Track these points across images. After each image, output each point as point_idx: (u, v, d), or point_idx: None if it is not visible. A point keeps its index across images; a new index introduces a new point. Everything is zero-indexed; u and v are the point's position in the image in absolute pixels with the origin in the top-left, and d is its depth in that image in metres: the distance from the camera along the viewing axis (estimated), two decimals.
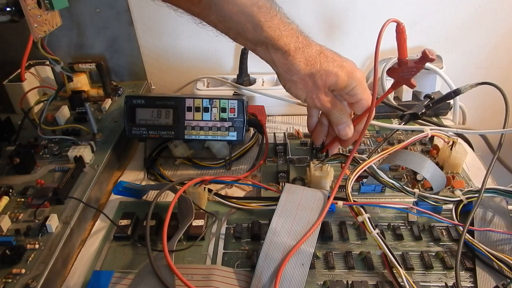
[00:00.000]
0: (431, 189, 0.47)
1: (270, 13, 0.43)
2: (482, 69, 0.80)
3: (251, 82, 0.73)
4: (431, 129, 0.53)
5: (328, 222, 0.46)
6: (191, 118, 0.56)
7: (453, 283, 0.39)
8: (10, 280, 0.38)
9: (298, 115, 0.71)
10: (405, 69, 0.44)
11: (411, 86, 0.46)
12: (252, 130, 0.63)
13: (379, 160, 0.47)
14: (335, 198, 0.45)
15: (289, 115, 0.71)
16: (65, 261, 0.43)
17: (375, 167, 0.45)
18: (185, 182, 0.48)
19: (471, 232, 0.43)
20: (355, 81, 0.46)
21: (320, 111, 0.53)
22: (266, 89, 0.69)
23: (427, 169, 0.46)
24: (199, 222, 0.46)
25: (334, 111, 0.48)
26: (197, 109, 0.56)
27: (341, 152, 0.55)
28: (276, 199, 0.45)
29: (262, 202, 0.49)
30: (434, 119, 0.69)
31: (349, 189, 0.44)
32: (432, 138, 0.59)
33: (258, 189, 0.53)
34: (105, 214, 0.48)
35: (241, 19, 0.42)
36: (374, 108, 0.48)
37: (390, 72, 0.46)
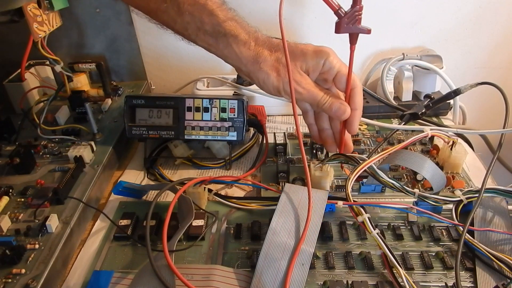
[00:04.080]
0: (431, 189, 0.47)
1: (222, 5, 0.44)
2: (482, 69, 0.80)
3: (251, 82, 0.72)
4: (431, 129, 0.53)
5: (328, 222, 0.46)
6: (191, 118, 0.56)
7: (453, 283, 0.39)
8: (10, 280, 0.38)
9: (298, 115, 0.71)
10: (346, 18, 0.43)
11: (365, 31, 0.44)
12: (252, 130, 0.63)
13: (379, 160, 0.47)
14: (336, 198, 0.45)
15: (289, 115, 0.71)
16: (65, 261, 0.43)
17: (375, 167, 0.45)
18: (185, 182, 0.48)
19: (471, 232, 0.43)
20: (324, 54, 0.45)
21: (314, 117, 0.52)
22: None
23: (427, 169, 0.46)
24: (199, 222, 0.46)
25: (320, 96, 0.46)
26: (197, 109, 0.56)
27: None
28: (276, 199, 0.45)
29: (262, 202, 0.49)
30: (434, 119, 0.69)
31: (349, 189, 0.44)
32: (432, 138, 0.59)
33: (258, 189, 0.53)
34: (105, 214, 0.48)
35: (195, 10, 0.44)
36: (356, 76, 0.47)
37: (337, 29, 0.44)
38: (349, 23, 0.43)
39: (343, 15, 0.43)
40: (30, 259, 0.41)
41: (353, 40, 0.45)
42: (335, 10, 0.43)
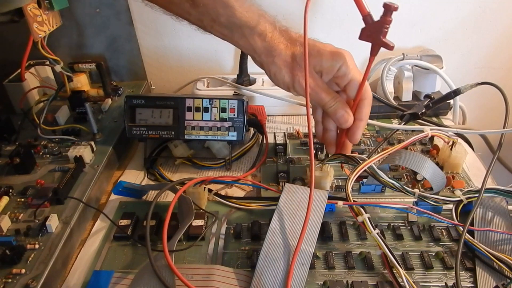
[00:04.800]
0: (431, 189, 0.47)
1: None
2: (482, 69, 0.80)
3: (251, 82, 0.72)
4: (431, 129, 0.53)
5: (328, 222, 0.46)
6: (191, 118, 0.56)
7: (453, 283, 0.39)
8: (10, 280, 0.38)
9: (298, 115, 0.71)
10: (373, 27, 0.42)
11: (388, 46, 0.43)
12: (252, 130, 0.63)
13: (379, 160, 0.47)
14: (336, 198, 0.45)
15: (289, 115, 0.71)
16: (65, 261, 0.43)
17: (375, 167, 0.45)
18: (185, 182, 0.48)
19: (471, 232, 0.43)
20: (341, 58, 0.44)
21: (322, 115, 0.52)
22: (266, 89, 0.69)
23: (427, 169, 0.46)
24: (199, 222, 0.46)
25: (327, 100, 0.46)
26: (197, 109, 0.56)
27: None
28: (276, 199, 0.45)
29: (262, 202, 0.49)
30: (434, 119, 0.69)
31: (349, 189, 0.44)
32: (432, 138, 0.59)
33: (258, 189, 0.53)
34: (105, 214, 0.48)
35: (210, 1, 0.43)
36: (369, 88, 0.47)
37: (362, 35, 0.43)
38: (374, 33, 0.42)
39: (370, 23, 0.42)
40: (30, 259, 0.41)
41: (373, 51, 0.44)
42: (364, 14, 0.42)
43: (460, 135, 0.61)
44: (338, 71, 0.45)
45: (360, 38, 0.43)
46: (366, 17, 0.42)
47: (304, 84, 0.45)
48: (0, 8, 0.40)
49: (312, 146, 0.44)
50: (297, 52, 0.45)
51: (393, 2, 0.41)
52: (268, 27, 0.45)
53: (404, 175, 0.54)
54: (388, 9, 0.41)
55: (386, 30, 0.42)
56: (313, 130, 0.53)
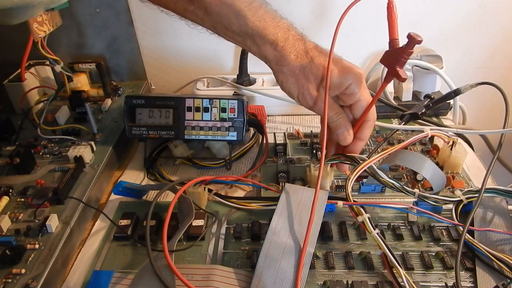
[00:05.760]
0: (431, 189, 0.47)
1: (252, 4, 0.43)
2: (482, 69, 0.80)
3: (251, 82, 0.73)
4: (431, 129, 0.53)
5: (328, 222, 0.46)
6: (191, 118, 0.56)
7: (453, 283, 0.39)
8: (10, 280, 0.38)
9: (298, 115, 0.71)
10: (393, 53, 0.41)
11: (400, 78, 0.42)
12: (252, 130, 0.63)
13: (379, 160, 0.47)
14: (336, 198, 0.45)
15: (289, 115, 0.71)
16: (65, 261, 0.43)
17: (375, 167, 0.45)
18: (185, 182, 0.48)
19: (471, 232, 0.43)
20: (351, 77, 0.44)
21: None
22: (266, 89, 0.69)
23: (427, 169, 0.46)
24: (199, 222, 0.46)
25: (331, 114, 0.46)
26: (197, 109, 0.56)
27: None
28: (276, 199, 0.45)
29: (262, 202, 0.49)
30: (434, 119, 0.69)
31: (349, 189, 0.44)
32: (432, 138, 0.59)
33: (258, 189, 0.53)
34: (105, 214, 0.48)
35: (223, 10, 0.43)
36: (374, 110, 0.47)
37: (383, 58, 0.43)
38: (392, 59, 0.41)
39: (394, 48, 0.41)
40: (30, 259, 0.41)
41: (387, 78, 0.43)
42: (393, 38, 0.41)
43: (460, 135, 0.61)
44: (347, 89, 0.44)
45: (381, 61, 0.43)
46: (393, 40, 0.41)
47: (307, 98, 0.45)
48: (12, 21, 0.40)
49: (322, 163, 0.44)
50: (306, 64, 0.44)
51: (418, 34, 0.39)
52: (280, 36, 0.44)
53: (404, 175, 0.54)
54: (412, 41, 0.39)
55: (404, 60, 0.41)
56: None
